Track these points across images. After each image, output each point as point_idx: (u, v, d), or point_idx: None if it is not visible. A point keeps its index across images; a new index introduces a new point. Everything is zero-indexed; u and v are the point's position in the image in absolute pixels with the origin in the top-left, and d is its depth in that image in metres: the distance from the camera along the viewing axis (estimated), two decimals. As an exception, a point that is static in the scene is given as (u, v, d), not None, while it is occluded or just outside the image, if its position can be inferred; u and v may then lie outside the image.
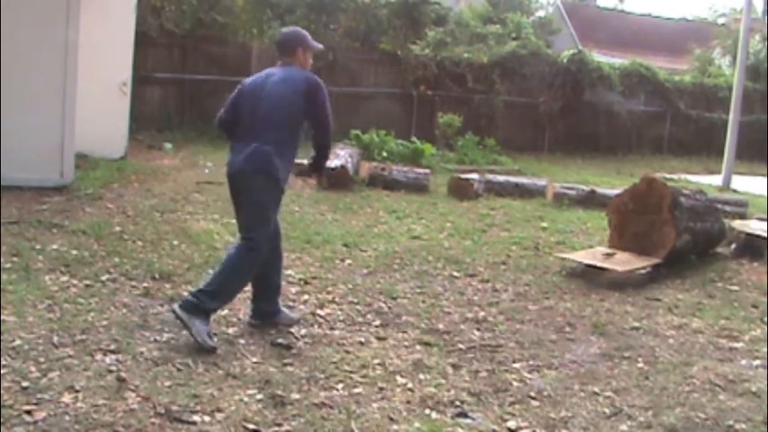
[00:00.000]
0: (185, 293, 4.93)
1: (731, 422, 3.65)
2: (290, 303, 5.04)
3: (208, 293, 4.15)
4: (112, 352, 3.92)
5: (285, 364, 3.99)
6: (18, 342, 3.90)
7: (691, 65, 24.08)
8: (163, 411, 3.31)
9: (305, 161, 5.03)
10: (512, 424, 3.51)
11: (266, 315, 4.54)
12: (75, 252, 5.68)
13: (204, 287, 4.21)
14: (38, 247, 5.70)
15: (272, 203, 4.36)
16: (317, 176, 5.36)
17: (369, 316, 4.95)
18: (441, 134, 15.01)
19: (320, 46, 4.68)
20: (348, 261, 6.30)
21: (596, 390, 3.96)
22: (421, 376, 3.98)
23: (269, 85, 4.36)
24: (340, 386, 3.77)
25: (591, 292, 5.89)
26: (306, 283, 5.56)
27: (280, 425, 3.31)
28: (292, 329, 4.52)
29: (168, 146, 12.47)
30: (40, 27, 7.64)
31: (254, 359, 4.03)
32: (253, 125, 4.29)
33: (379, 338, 4.53)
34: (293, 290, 5.34)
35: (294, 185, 9.71)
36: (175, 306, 4.16)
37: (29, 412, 3.18)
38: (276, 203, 4.41)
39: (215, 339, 4.16)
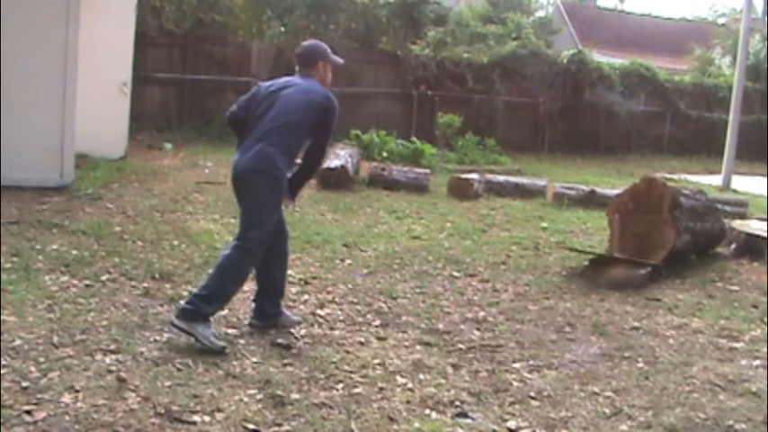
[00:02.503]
0: (185, 293, 4.95)
1: (731, 422, 3.65)
2: (290, 303, 5.04)
3: (204, 297, 4.14)
4: (112, 352, 3.91)
5: (285, 364, 3.99)
6: (18, 342, 3.90)
7: (691, 65, 24.08)
8: (163, 411, 3.31)
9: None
10: (512, 424, 3.51)
11: (267, 316, 4.52)
12: (75, 252, 5.68)
13: (200, 291, 4.19)
14: (38, 247, 5.70)
15: (271, 205, 4.31)
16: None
17: (369, 316, 4.95)
18: (441, 134, 15.01)
19: (340, 60, 4.65)
20: (348, 261, 6.30)
21: (596, 390, 3.96)
22: (421, 376, 3.98)
23: (287, 90, 4.34)
24: (340, 386, 3.77)
25: (591, 292, 5.89)
26: (306, 283, 5.56)
27: (280, 425, 3.31)
28: (292, 329, 4.52)
29: (168, 146, 12.47)
30: (40, 27, 7.64)
31: (254, 359, 4.03)
32: (262, 127, 4.26)
33: (379, 338, 4.53)
34: (293, 290, 5.34)
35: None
36: (173, 318, 4.14)
37: (29, 412, 3.18)
38: (276, 205, 4.36)
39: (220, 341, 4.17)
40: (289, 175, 4.42)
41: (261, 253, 4.29)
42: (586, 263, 6.47)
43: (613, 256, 6.34)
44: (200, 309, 4.09)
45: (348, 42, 16.17)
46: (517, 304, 5.47)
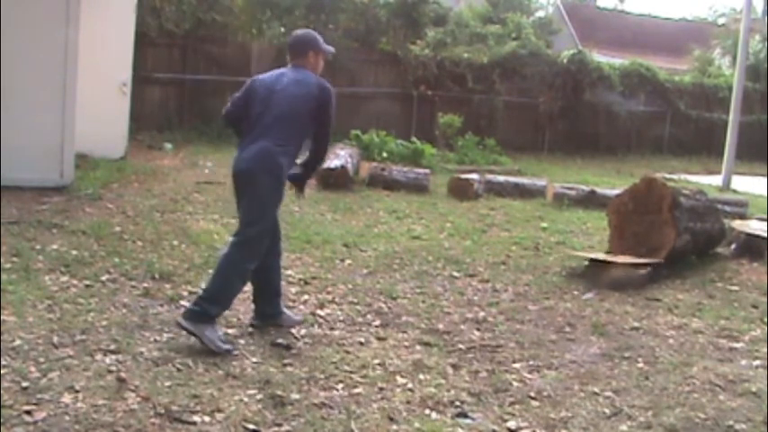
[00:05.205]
0: (185, 293, 4.96)
1: (731, 422, 3.65)
2: (290, 303, 5.04)
3: (208, 299, 4.13)
4: (112, 352, 3.91)
5: (285, 365, 3.99)
6: (18, 342, 3.90)
7: (691, 65, 24.08)
8: (163, 411, 3.31)
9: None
10: (512, 424, 3.51)
11: (267, 317, 4.53)
12: (75, 252, 5.68)
13: (204, 293, 4.20)
14: (38, 247, 5.70)
15: (273, 202, 4.34)
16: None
17: (369, 316, 4.95)
18: (441, 134, 15.01)
19: (332, 49, 4.68)
20: (348, 261, 6.30)
21: (596, 390, 3.96)
22: (421, 376, 3.98)
23: (281, 84, 4.33)
24: (340, 386, 3.77)
25: (591, 292, 5.89)
26: (306, 283, 5.56)
27: (280, 425, 3.31)
28: (292, 330, 4.52)
29: (168, 146, 12.47)
30: (40, 27, 7.64)
31: (254, 359, 4.03)
32: (262, 123, 4.26)
33: (379, 338, 4.53)
34: (293, 290, 5.34)
35: (293, 186, 9.70)
36: (180, 318, 4.14)
37: (29, 412, 3.18)
38: (277, 203, 4.39)
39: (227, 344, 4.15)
40: (294, 170, 4.48)
41: (261, 250, 4.28)
42: (586, 263, 6.47)
43: (610, 260, 6.31)
44: (205, 310, 4.08)
45: (348, 42, 16.15)
46: (517, 304, 5.47)
